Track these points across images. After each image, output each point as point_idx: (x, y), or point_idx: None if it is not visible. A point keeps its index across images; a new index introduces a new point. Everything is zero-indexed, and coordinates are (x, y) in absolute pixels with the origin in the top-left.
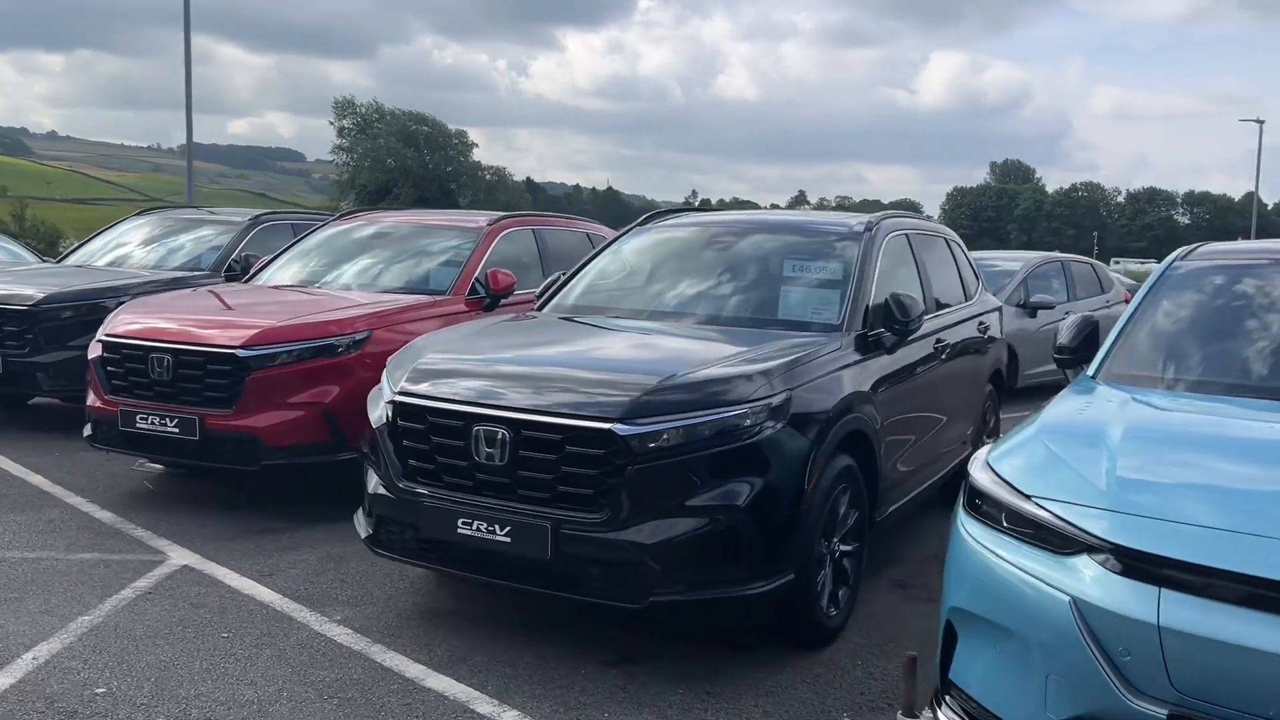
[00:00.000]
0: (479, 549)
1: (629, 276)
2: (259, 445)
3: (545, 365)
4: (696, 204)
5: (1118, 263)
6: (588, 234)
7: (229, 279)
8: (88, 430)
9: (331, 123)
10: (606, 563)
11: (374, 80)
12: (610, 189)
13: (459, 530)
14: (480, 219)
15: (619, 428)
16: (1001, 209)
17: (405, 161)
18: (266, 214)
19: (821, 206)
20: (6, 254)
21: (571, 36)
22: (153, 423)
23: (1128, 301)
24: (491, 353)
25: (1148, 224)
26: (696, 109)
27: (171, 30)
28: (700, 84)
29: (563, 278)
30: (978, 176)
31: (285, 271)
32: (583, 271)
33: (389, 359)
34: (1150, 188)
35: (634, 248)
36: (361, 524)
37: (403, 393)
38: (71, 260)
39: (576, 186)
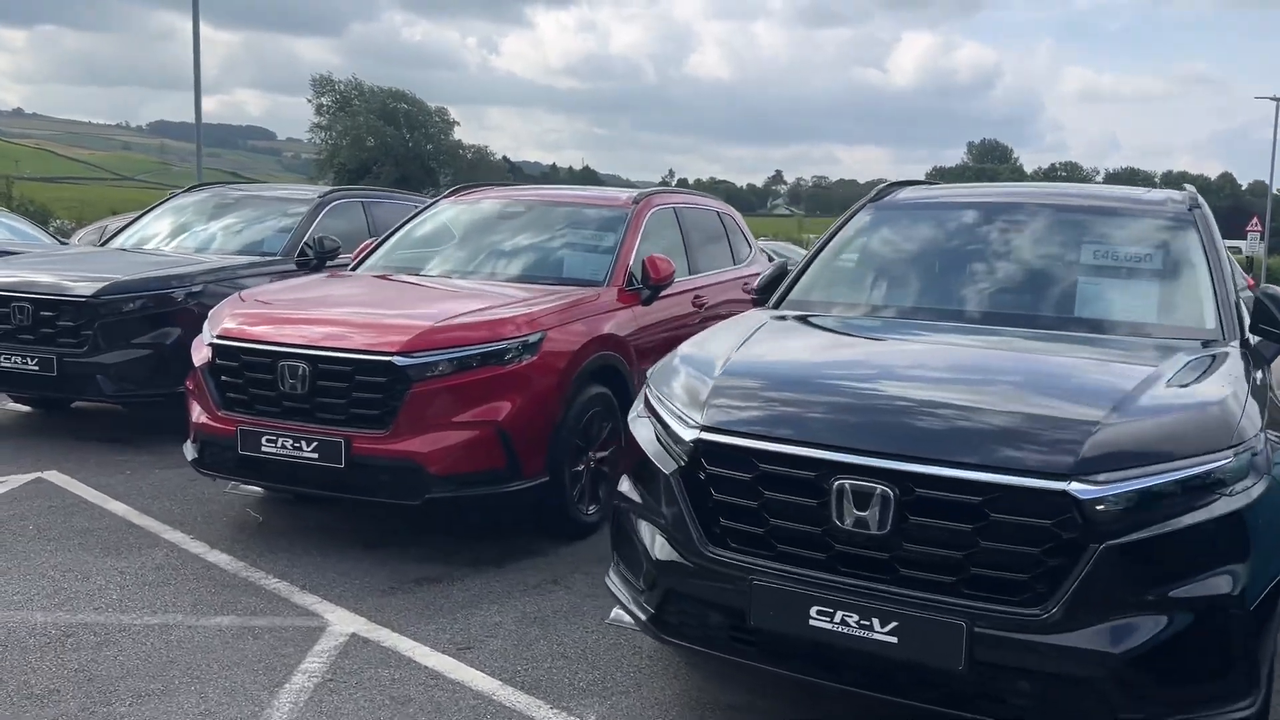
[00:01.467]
0: (842, 649)
1: (889, 267)
2: (422, 474)
3: (917, 391)
4: (674, 184)
5: None
6: (718, 212)
7: (301, 265)
8: (192, 453)
9: (310, 100)
10: (1047, 677)
11: (342, 58)
12: (587, 168)
13: (812, 622)
14: (622, 195)
15: (1077, 488)
16: None
17: (385, 139)
18: (335, 191)
19: (798, 187)
20: (17, 235)
21: (542, 14)
22: (283, 446)
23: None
24: (818, 371)
25: None
26: (670, 88)
27: (134, 5)
28: (673, 63)
29: (794, 268)
30: (950, 157)
31: (397, 258)
32: (817, 261)
33: (651, 373)
34: (1130, 168)
35: (877, 231)
36: (628, 596)
37: (711, 428)
38: (115, 244)
39: (553, 166)
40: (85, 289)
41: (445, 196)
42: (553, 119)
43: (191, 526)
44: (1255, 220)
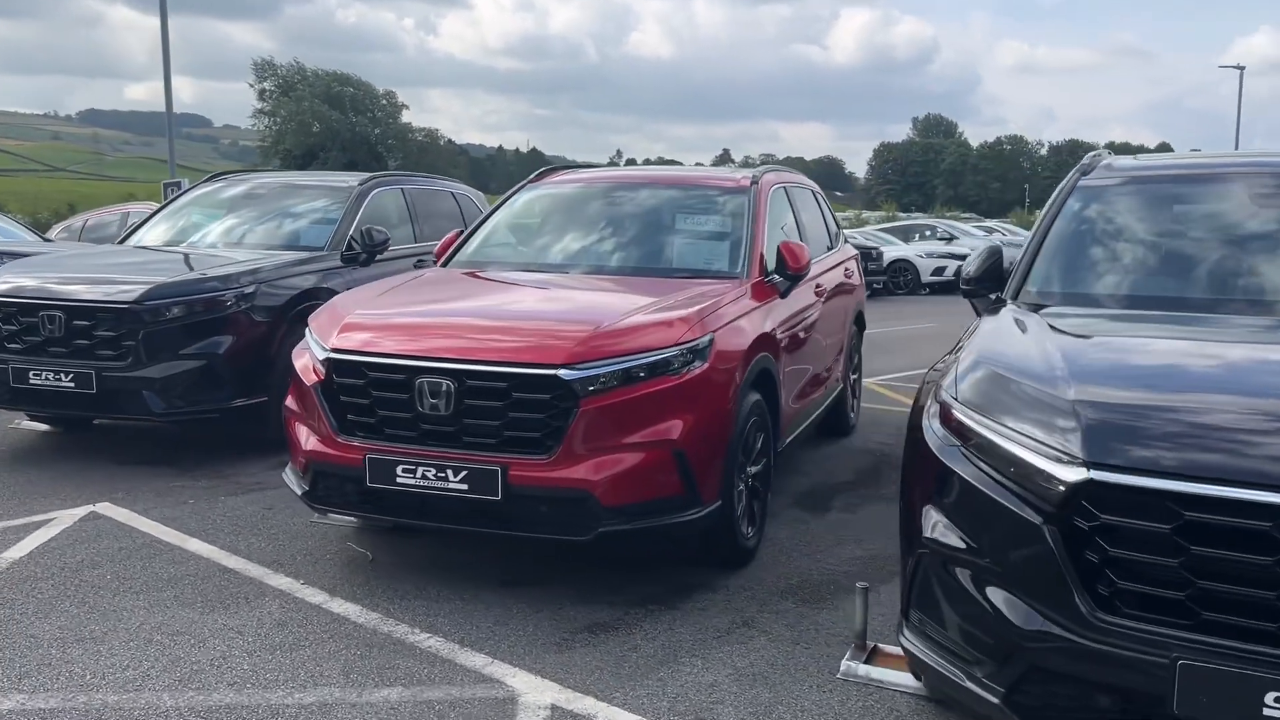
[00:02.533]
0: None
1: (1155, 251)
2: (594, 506)
3: None
4: (622, 164)
5: None
6: (812, 191)
7: (348, 260)
8: (301, 485)
9: (252, 85)
10: None
11: (276, 42)
12: (534, 150)
13: (1268, 711)
14: (736, 175)
15: None
16: (928, 164)
17: (331, 124)
18: (376, 177)
19: (746, 165)
20: (2, 234)
21: None
22: (423, 477)
23: None
24: (1210, 387)
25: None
26: (611, 67)
27: None
28: (613, 42)
29: (1022, 255)
30: (892, 132)
31: (495, 252)
32: (1047, 246)
33: (955, 386)
34: (1072, 139)
35: (1105, 209)
36: (954, 668)
37: (1103, 465)
38: (134, 241)
39: (499, 148)
40: (126, 294)
41: (532, 181)
42: (493, 100)
43: (294, 567)
44: None
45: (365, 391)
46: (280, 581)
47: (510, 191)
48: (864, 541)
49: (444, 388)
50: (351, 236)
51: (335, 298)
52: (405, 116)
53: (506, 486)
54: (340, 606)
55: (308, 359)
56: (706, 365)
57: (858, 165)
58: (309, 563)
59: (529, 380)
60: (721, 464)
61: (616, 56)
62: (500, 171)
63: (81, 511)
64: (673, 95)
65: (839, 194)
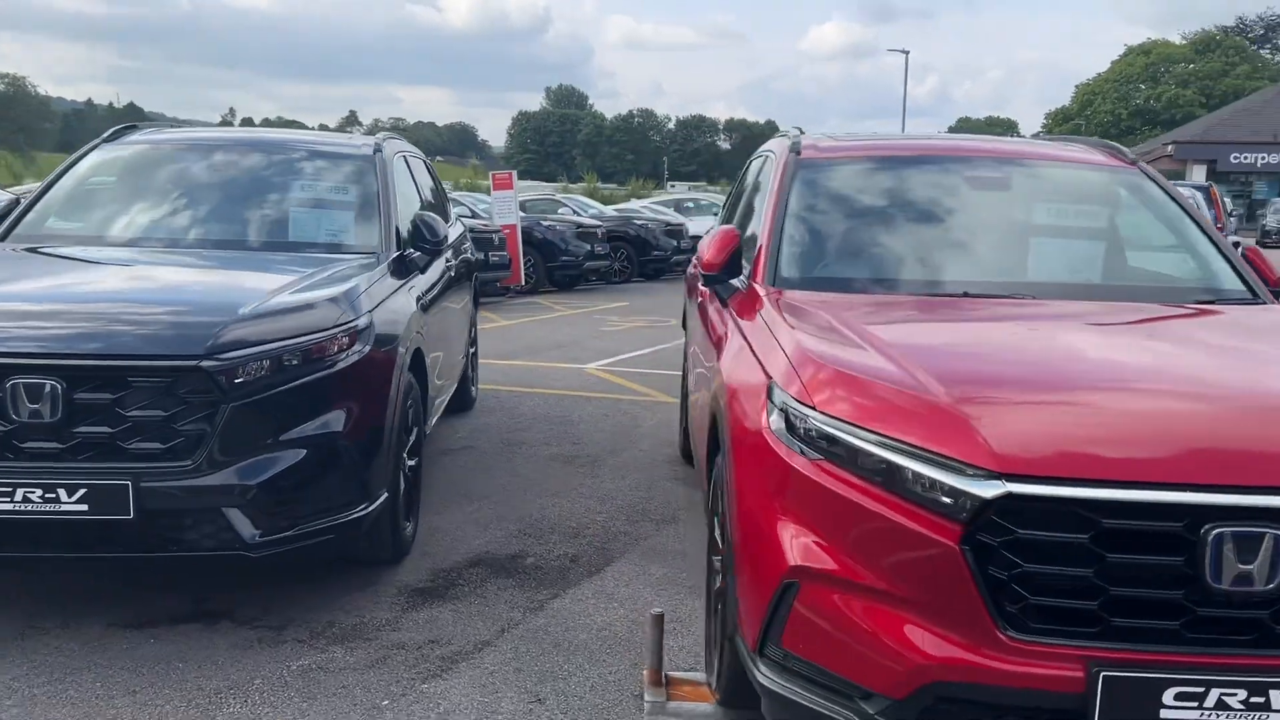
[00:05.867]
0: None
1: None
2: None
3: None
4: (236, 124)
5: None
6: None
7: (404, 268)
8: None
9: None
10: None
11: None
12: (131, 104)
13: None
14: (1081, 148)
15: None
16: (565, 134)
17: None
18: (390, 138)
19: (376, 128)
20: None
21: None
22: (1221, 704)
23: None
24: None
25: (695, 149)
26: (206, 17)
27: None
28: None
29: None
30: (518, 100)
31: (841, 257)
32: None
33: None
34: (698, 115)
35: None
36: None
37: None
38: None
39: (89, 101)
40: (181, 343)
41: (807, 150)
42: (64, 48)
43: None
44: None
45: (1085, 554)
46: None
47: (763, 167)
48: None
49: (1267, 543)
50: (399, 231)
51: (821, 352)
52: None
53: None
54: None
55: (873, 491)
56: None
57: (487, 132)
58: None
59: None
60: None
61: (211, 6)
62: (90, 129)
63: None
64: (281, 52)
65: (476, 161)
